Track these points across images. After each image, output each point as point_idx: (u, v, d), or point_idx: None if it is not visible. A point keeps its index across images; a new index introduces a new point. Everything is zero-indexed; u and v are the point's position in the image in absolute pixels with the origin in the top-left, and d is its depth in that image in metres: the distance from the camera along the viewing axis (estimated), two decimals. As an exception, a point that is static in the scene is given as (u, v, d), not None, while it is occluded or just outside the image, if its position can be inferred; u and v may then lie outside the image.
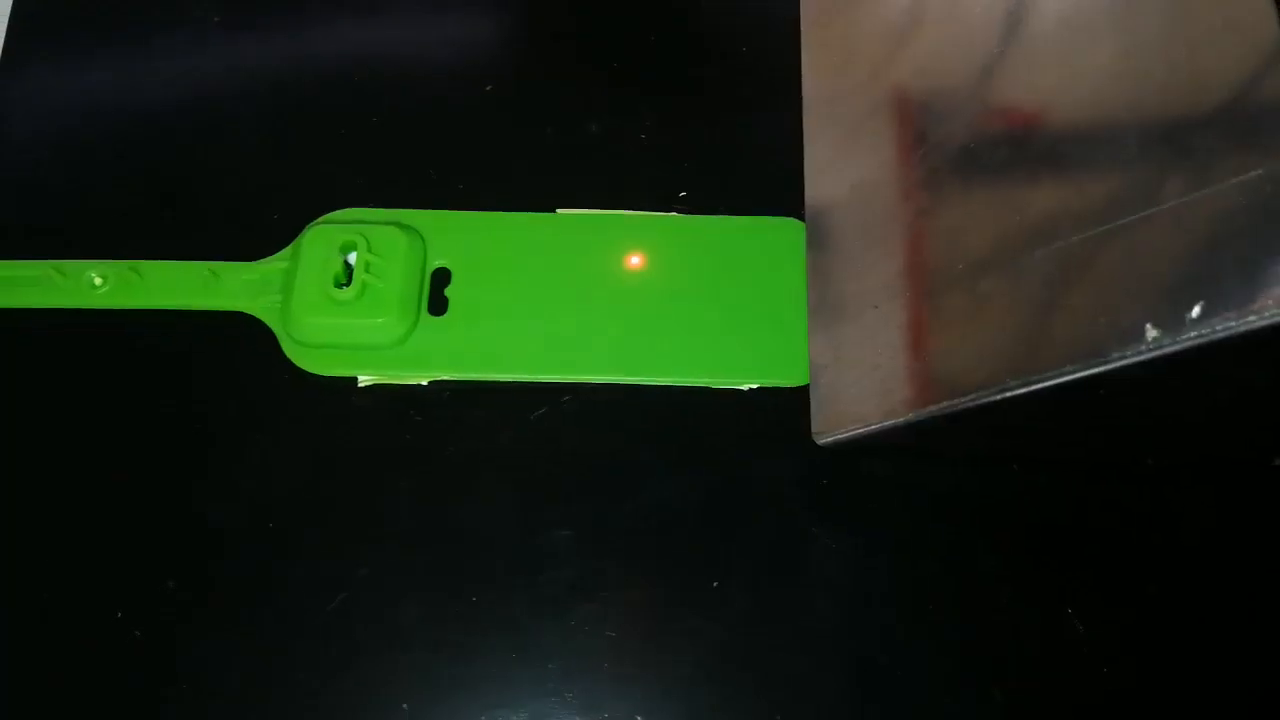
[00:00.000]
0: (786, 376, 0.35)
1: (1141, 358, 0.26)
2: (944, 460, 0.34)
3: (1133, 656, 0.32)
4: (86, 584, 0.32)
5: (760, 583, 0.32)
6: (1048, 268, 0.29)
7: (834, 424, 0.33)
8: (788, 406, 0.34)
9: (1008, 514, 0.33)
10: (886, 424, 0.31)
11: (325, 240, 0.35)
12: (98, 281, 0.35)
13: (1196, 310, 0.25)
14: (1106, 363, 0.27)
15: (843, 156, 0.36)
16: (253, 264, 0.36)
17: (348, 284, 0.35)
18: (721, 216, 0.37)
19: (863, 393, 0.32)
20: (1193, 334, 0.25)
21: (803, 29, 0.39)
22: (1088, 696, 0.31)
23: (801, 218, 0.36)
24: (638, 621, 0.32)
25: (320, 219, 0.36)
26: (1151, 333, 0.26)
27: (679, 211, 0.37)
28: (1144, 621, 0.32)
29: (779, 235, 0.37)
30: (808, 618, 0.32)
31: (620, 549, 0.33)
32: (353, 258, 0.35)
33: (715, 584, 0.32)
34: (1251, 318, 0.24)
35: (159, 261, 0.36)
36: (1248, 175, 0.25)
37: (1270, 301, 0.24)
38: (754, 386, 0.35)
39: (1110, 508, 0.33)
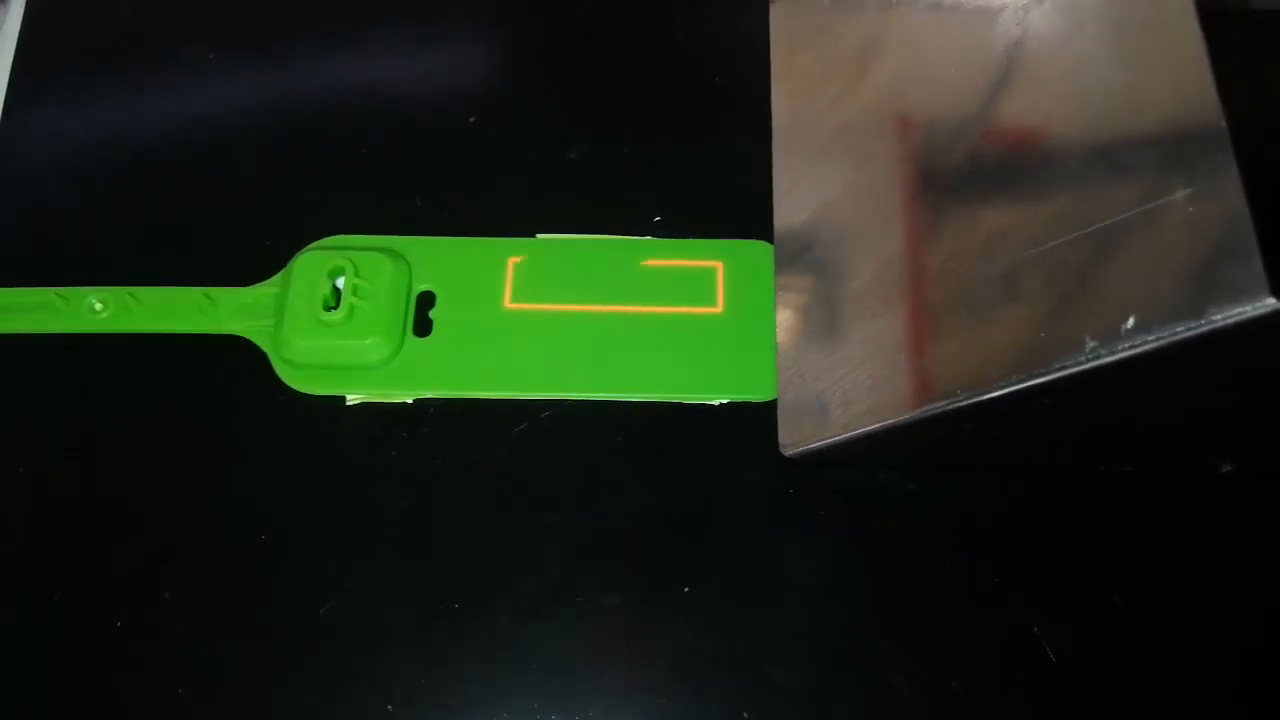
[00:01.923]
0: (756, 392, 0.36)
1: (1081, 368, 0.27)
2: (905, 469, 0.35)
3: (1089, 653, 0.33)
4: (88, 595, 0.34)
5: (730, 587, 0.34)
6: (996, 284, 0.30)
7: (800, 436, 0.34)
8: (757, 420, 0.35)
9: (967, 519, 0.35)
10: (848, 435, 0.33)
11: (315, 266, 0.37)
12: (98, 307, 0.37)
13: (1131, 322, 0.26)
14: (1049, 373, 0.28)
15: (808, 181, 0.38)
16: (245, 289, 0.37)
17: (336, 307, 0.36)
18: (694, 239, 0.39)
19: (825, 407, 0.34)
20: (1127, 344, 0.26)
21: (772, 59, 0.41)
22: (1045, 691, 0.32)
23: (771, 240, 0.38)
24: (614, 625, 0.33)
25: (310, 246, 0.38)
26: (1090, 344, 0.27)
27: (654, 235, 0.39)
28: (1099, 620, 0.33)
29: (749, 256, 0.38)
30: (775, 620, 0.33)
31: (597, 556, 0.34)
32: (341, 282, 0.36)
33: (687, 589, 0.34)
34: (1180, 329, 0.25)
35: (156, 288, 0.37)
36: (1177, 194, 0.26)
37: (1198, 314, 0.25)
38: (725, 401, 0.36)
39: (1066, 512, 0.35)
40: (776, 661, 0.33)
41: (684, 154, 0.40)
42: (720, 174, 0.40)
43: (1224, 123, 0.26)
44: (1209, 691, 0.33)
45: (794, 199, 0.38)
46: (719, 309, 0.37)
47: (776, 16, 0.41)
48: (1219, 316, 0.25)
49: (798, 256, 0.37)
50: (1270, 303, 0.24)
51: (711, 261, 0.38)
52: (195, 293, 0.37)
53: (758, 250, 0.38)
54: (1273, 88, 0.31)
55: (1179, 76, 0.27)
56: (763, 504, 0.35)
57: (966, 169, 0.32)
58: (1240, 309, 0.24)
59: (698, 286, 0.38)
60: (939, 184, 0.33)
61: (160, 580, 0.34)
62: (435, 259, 0.38)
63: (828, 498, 0.35)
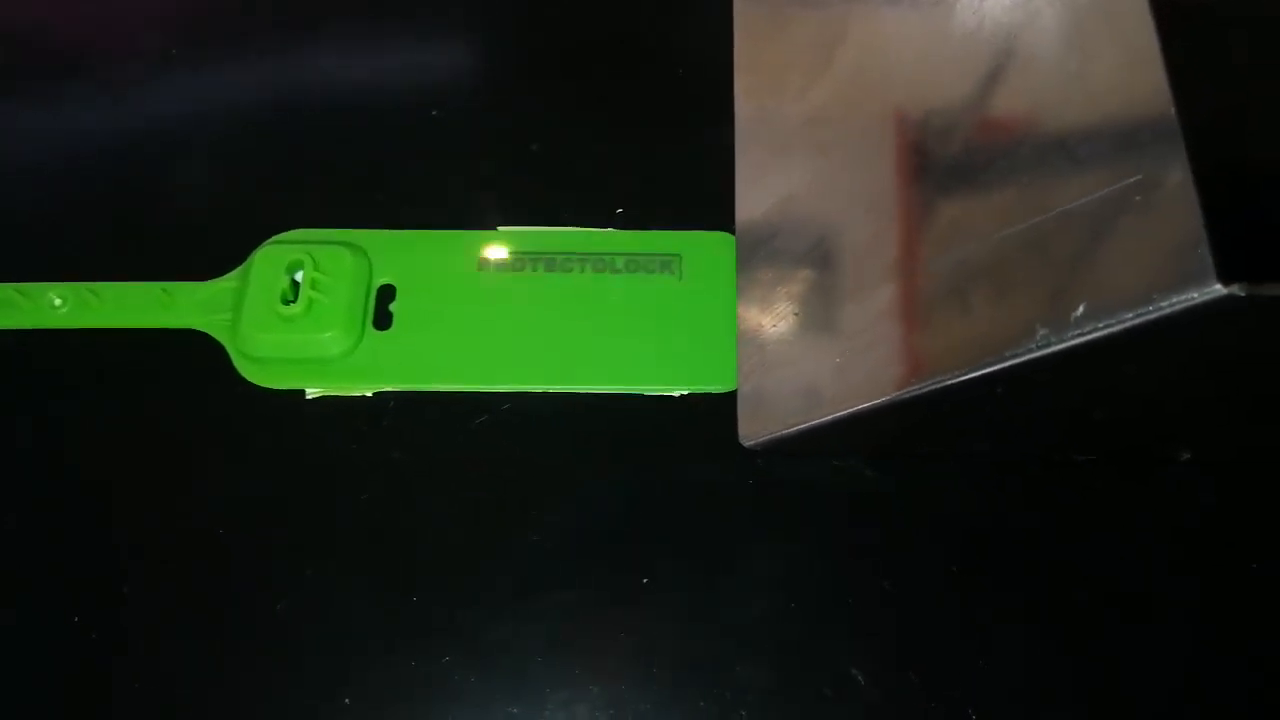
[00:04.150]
0: (716, 382, 0.36)
1: (1032, 356, 0.27)
2: (865, 460, 0.35)
3: (1052, 644, 0.33)
4: (45, 590, 0.34)
5: (689, 580, 0.34)
6: (952, 273, 0.30)
7: (759, 427, 0.34)
8: (717, 411, 0.35)
9: (927, 510, 0.35)
10: (805, 426, 0.33)
11: (274, 260, 0.37)
12: (57, 303, 0.37)
13: (1080, 309, 0.26)
14: (1000, 361, 0.28)
15: (771, 172, 0.38)
16: (205, 284, 0.37)
17: (295, 301, 0.36)
18: (656, 231, 0.38)
19: (785, 397, 0.34)
20: (1076, 332, 0.26)
21: (736, 51, 0.41)
22: (1008, 684, 0.32)
23: (733, 231, 0.38)
24: (573, 618, 0.33)
25: (270, 240, 0.38)
26: (1040, 331, 0.27)
27: (615, 227, 0.39)
28: (1062, 611, 0.33)
29: (711, 248, 0.38)
30: (735, 612, 0.33)
31: (557, 548, 0.34)
32: (300, 276, 0.36)
33: (646, 581, 0.33)
34: (1129, 316, 0.25)
35: (115, 283, 0.37)
36: (1128, 181, 0.26)
37: (1147, 301, 0.25)
38: (685, 392, 0.36)
39: (1028, 501, 0.35)
40: (736, 654, 0.33)
41: (646, 147, 0.40)
42: (683, 166, 0.40)
43: (1174, 110, 0.26)
44: (1177, 682, 0.33)
45: (756, 190, 0.38)
46: (680, 300, 0.37)
47: (740, 9, 0.41)
48: (1167, 303, 0.25)
49: (760, 247, 0.37)
50: (1218, 289, 0.24)
51: (673, 253, 0.38)
52: (154, 287, 0.37)
53: (719, 241, 0.38)
54: (1224, 75, 0.31)
55: (1131, 64, 0.27)
56: (722, 495, 0.35)
57: (926, 159, 0.32)
58: (1188, 295, 0.24)
59: (658, 278, 0.37)
60: (901, 175, 0.33)
61: (118, 575, 0.34)
62: (396, 252, 0.38)
63: (787, 488, 0.35)
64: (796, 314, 0.34)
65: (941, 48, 0.33)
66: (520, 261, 0.38)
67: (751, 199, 0.38)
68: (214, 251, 0.38)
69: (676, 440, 0.36)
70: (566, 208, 0.39)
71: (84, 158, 0.40)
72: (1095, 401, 0.31)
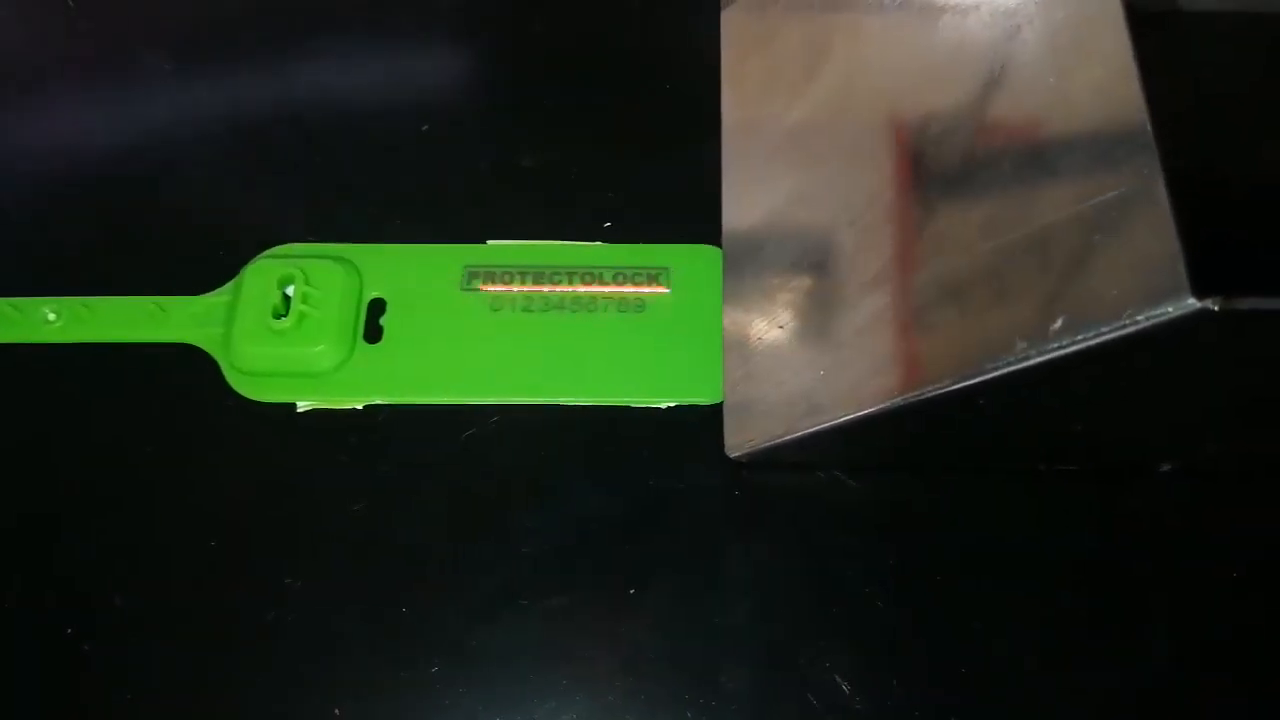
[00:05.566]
0: (703, 395, 0.36)
1: (1011, 369, 0.28)
2: (851, 471, 0.35)
3: (1034, 653, 0.33)
4: (40, 601, 0.34)
5: (677, 590, 0.34)
6: (935, 286, 0.31)
7: (745, 438, 0.35)
8: (703, 423, 0.36)
9: (912, 521, 0.35)
10: (790, 437, 0.33)
11: (265, 274, 0.37)
12: (51, 317, 0.37)
13: (1059, 323, 0.27)
14: (981, 374, 0.28)
15: (758, 184, 0.38)
16: (197, 298, 0.38)
17: (286, 315, 0.36)
18: (644, 245, 0.39)
19: (770, 409, 0.34)
20: (1054, 345, 0.27)
21: (723, 64, 0.41)
22: (991, 692, 0.33)
23: (720, 244, 0.38)
24: (561, 628, 0.33)
25: (262, 254, 0.38)
26: (1020, 345, 0.27)
27: (604, 241, 0.39)
28: (1044, 620, 0.34)
29: (698, 261, 0.38)
30: (721, 622, 0.33)
31: (545, 560, 0.34)
32: (291, 290, 0.37)
33: (633, 591, 0.34)
34: (1105, 330, 0.26)
35: (108, 297, 0.37)
36: (1106, 196, 0.27)
37: (1121, 315, 0.25)
38: (672, 405, 0.36)
39: (1011, 512, 0.35)
40: (722, 662, 0.33)
41: (635, 160, 0.41)
42: (671, 180, 0.40)
43: (1149, 125, 0.26)
44: (1163, 690, 0.33)
45: (743, 203, 0.38)
46: (667, 312, 0.38)
47: (728, 22, 0.42)
48: (1143, 317, 0.25)
49: (746, 260, 0.37)
50: (1191, 303, 0.24)
51: (661, 266, 0.38)
52: (147, 302, 0.37)
53: (706, 254, 0.38)
54: (1200, 88, 0.31)
55: (1108, 80, 0.28)
56: (709, 506, 0.35)
57: (911, 172, 0.33)
58: (1163, 309, 0.25)
59: (646, 290, 0.38)
60: (885, 188, 0.33)
61: (112, 586, 0.34)
62: (386, 266, 0.38)
63: (773, 499, 0.35)
64: (782, 326, 0.35)
65: (926, 62, 0.33)
66: (509, 275, 0.38)
67: (738, 211, 0.38)
68: (206, 266, 0.38)
69: (664, 452, 0.36)
70: (556, 221, 0.39)
71: (76, 172, 0.41)
72: (1075, 413, 0.31)
